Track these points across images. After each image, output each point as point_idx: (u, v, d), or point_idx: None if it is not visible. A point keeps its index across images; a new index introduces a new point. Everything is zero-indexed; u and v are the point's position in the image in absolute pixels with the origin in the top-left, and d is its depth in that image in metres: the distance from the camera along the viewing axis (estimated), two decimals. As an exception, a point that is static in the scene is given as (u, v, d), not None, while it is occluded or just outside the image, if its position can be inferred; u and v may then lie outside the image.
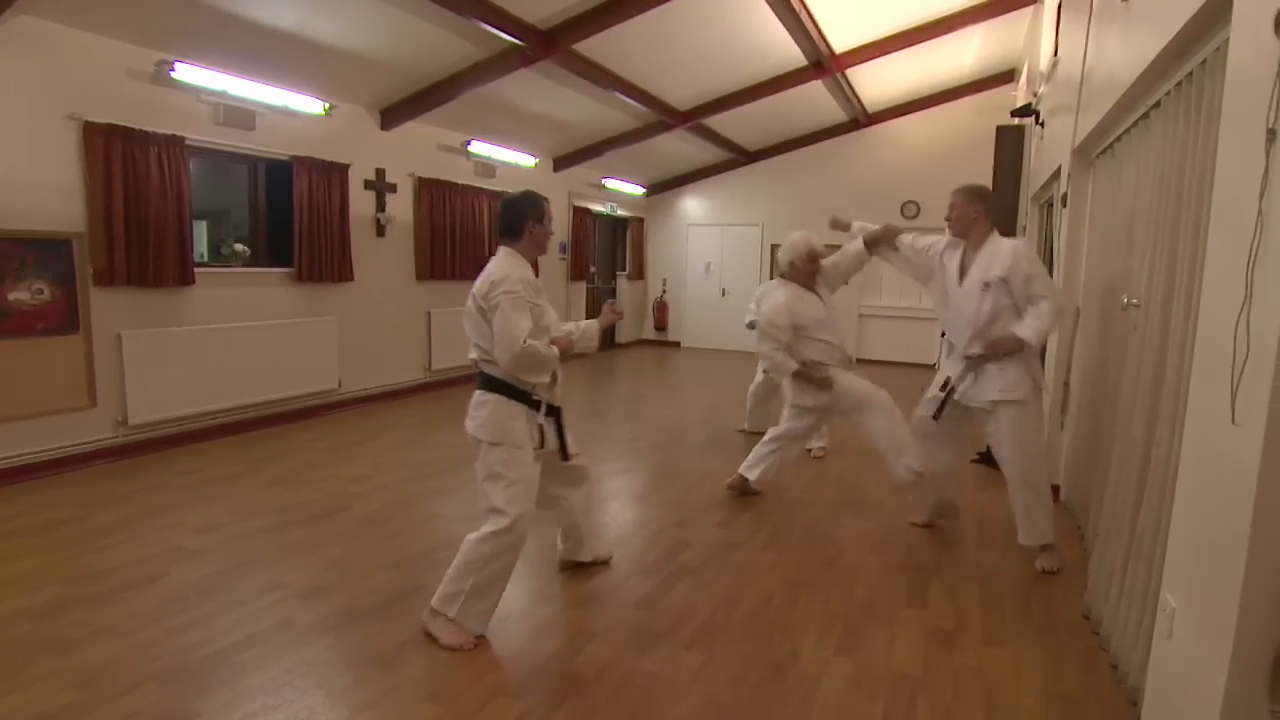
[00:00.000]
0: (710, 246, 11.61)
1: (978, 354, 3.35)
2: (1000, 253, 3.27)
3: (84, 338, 4.56)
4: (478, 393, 2.70)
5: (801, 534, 3.80)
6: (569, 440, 2.90)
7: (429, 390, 7.48)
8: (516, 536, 2.61)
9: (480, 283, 2.61)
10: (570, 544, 3.22)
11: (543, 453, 2.79)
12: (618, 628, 2.78)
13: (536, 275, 2.73)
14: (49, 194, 4.36)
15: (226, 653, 2.51)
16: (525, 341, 2.51)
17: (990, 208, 3.38)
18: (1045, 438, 3.27)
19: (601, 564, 3.31)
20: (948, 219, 3.45)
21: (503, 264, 2.64)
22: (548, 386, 2.77)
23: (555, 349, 2.68)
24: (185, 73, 4.94)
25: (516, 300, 2.54)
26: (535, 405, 2.72)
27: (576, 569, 3.24)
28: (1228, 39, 1.85)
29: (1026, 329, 3.19)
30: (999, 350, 3.27)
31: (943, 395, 3.50)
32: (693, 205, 11.76)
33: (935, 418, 3.53)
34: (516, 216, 2.69)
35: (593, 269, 10.93)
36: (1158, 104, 2.74)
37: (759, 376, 5.71)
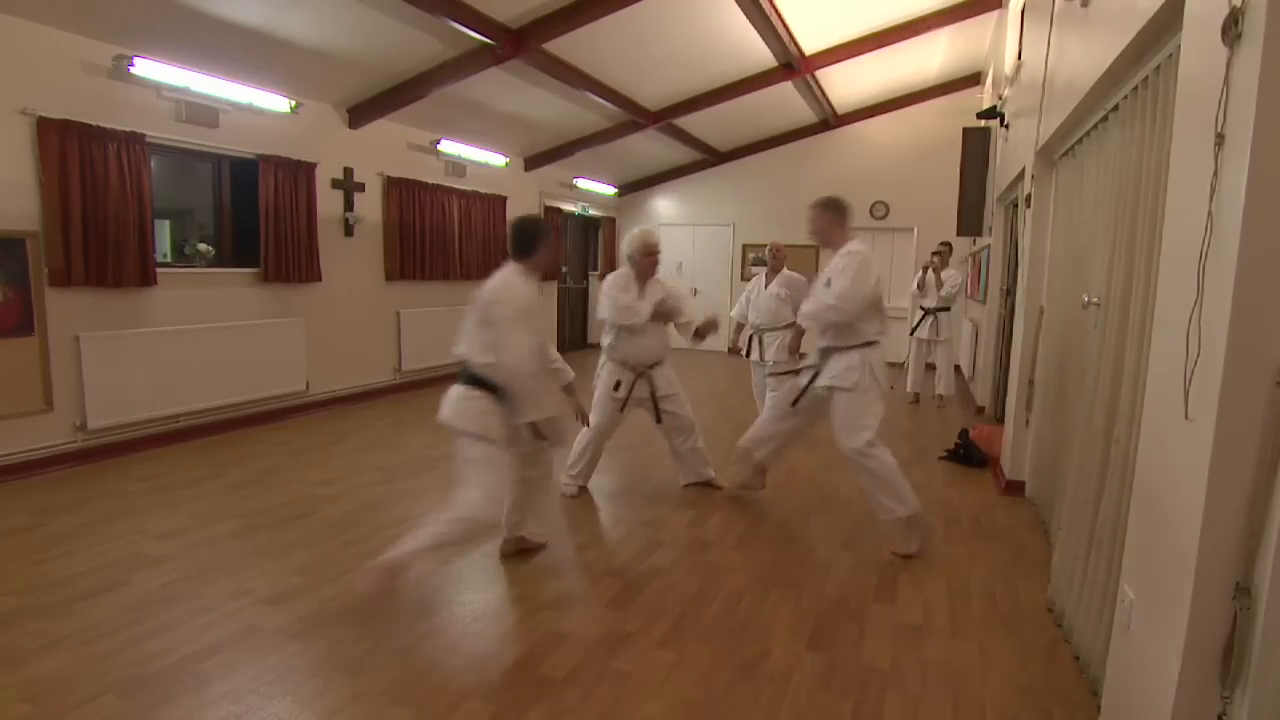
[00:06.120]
0: (682, 246, 11.63)
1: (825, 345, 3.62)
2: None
3: (39, 339, 4.43)
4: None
5: (772, 532, 3.83)
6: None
7: (399, 392, 7.39)
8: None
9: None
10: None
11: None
12: (589, 628, 2.77)
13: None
14: (1, 191, 4.23)
15: (189, 661, 2.45)
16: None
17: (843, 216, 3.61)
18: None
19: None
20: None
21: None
22: None
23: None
24: (145, 68, 4.82)
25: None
26: None
27: (545, 573, 3.22)
28: (1180, 46, 1.90)
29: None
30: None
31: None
32: (664, 205, 11.78)
33: (793, 404, 3.76)
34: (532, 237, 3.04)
35: (564, 269, 10.90)
36: (1116, 108, 2.81)
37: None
